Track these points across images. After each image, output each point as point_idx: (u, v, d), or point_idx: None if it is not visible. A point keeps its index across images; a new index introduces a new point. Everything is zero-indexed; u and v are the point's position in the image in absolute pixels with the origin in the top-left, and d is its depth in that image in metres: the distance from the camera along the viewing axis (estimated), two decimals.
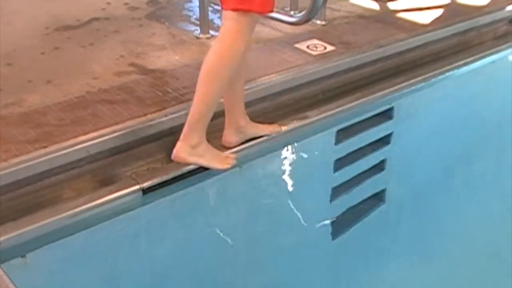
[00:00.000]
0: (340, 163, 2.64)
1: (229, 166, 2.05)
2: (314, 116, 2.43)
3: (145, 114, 2.16)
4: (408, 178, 3.06)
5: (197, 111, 1.93)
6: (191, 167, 2.03)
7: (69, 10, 3.14)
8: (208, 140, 2.23)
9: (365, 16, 3.17)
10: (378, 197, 2.95)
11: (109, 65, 2.54)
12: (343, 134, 2.58)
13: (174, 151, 1.95)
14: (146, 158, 2.13)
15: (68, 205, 1.86)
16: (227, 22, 1.90)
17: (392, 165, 2.89)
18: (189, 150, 1.94)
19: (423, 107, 2.90)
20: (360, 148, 2.71)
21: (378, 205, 2.95)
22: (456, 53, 3.13)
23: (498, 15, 3.36)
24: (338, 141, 2.56)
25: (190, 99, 2.24)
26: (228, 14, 1.88)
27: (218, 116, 2.20)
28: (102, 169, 2.04)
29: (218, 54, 1.90)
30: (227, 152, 2.12)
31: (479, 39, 3.29)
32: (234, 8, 1.86)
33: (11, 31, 2.87)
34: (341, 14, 3.19)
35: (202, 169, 2.06)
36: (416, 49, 2.97)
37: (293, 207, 2.52)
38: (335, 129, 2.52)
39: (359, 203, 2.86)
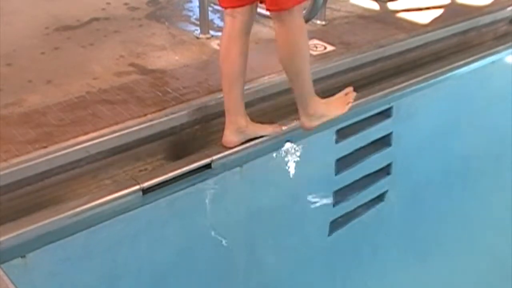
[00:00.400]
0: (340, 163, 2.64)
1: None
2: None
3: (145, 114, 2.16)
4: (408, 177, 3.06)
5: (303, 89, 2.09)
6: (191, 167, 2.03)
7: (69, 10, 3.14)
8: (209, 140, 2.24)
9: (365, 16, 3.17)
10: (377, 196, 2.95)
11: (109, 65, 2.54)
12: (343, 134, 2.58)
13: (303, 121, 2.17)
14: (146, 158, 2.13)
15: (68, 205, 1.86)
16: (281, 23, 1.91)
17: (392, 164, 2.89)
18: (315, 118, 2.18)
19: (423, 107, 2.90)
20: (360, 148, 2.71)
21: (377, 204, 2.95)
22: (456, 53, 3.13)
23: (498, 15, 3.36)
24: (338, 140, 2.56)
25: (190, 99, 2.26)
26: (281, 14, 1.90)
27: (218, 116, 2.21)
28: (102, 169, 2.05)
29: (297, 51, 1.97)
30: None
31: (479, 39, 3.29)
32: (292, 5, 1.87)
33: (11, 31, 2.87)
34: (341, 14, 3.19)
35: (201, 168, 2.06)
36: (416, 49, 2.97)
37: (293, 206, 2.52)
38: (335, 128, 2.52)
39: (357, 202, 2.86)
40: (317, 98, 2.17)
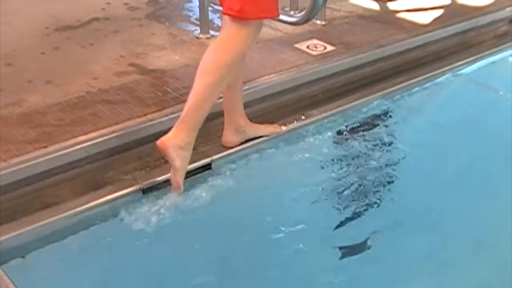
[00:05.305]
0: (340, 162, 2.64)
1: (179, 191, 1.97)
2: (314, 116, 2.43)
3: (145, 114, 2.16)
4: (408, 177, 3.06)
5: (186, 107, 1.87)
6: (191, 166, 2.03)
7: (69, 10, 3.14)
8: (209, 140, 2.24)
9: (365, 16, 3.17)
10: (377, 195, 2.95)
11: (109, 65, 2.54)
12: (343, 133, 2.58)
13: (166, 136, 1.87)
14: (146, 158, 2.13)
15: (68, 205, 1.86)
16: (232, 29, 1.86)
17: (393, 164, 2.89)
18: (175, 146, 1.86)
19: (423, 107, 2.90)
20: (359, 148, 2.71)
21: (377, 203, 2.95)
22: (456, 53, 3.13)
23: (498, 15, 3.36)
24: (338, 141, 2.56)
25: None
26: (239, 22, 1.85)
27: (218, 116, 2.21)
28: (102, 169, 2.05)
29: (219, 54, 1.87)
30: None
31: (479, 39, 3.30)
32: (255, 18, 1.84)
33: (11, 31, 2.87)
34: (341, 14, 3.19)
35: (200, 169, 2.06)
36: (416, 49, 2.97)
37: (293, 206, 2.52)
38: (335, 129, 2.52)
39: (360, 201, 2.86)
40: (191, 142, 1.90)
